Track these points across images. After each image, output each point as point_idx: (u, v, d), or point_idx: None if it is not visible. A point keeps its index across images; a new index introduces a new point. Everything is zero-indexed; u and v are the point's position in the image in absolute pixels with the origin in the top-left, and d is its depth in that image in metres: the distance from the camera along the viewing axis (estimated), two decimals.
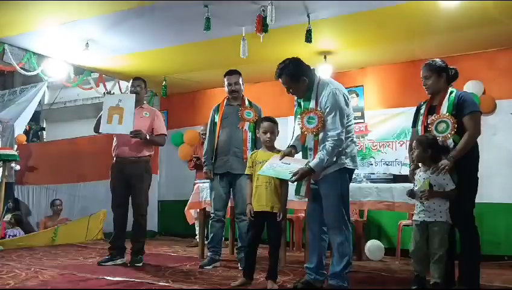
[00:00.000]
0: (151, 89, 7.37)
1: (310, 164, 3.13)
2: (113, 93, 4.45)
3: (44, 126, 9.21)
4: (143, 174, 4.39)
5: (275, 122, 3.47)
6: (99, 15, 4.68)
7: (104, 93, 4.54)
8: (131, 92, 4.47)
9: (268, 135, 3.42)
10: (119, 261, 4.35)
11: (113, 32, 5.13)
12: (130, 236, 4.42)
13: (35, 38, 5.33)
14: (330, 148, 3.08)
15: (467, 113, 3.16)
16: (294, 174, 3.12)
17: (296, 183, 3.26)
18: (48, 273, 3.78)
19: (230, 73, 4.37)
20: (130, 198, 4.40)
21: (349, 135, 3.24)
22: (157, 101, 7.78)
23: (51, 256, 4.92)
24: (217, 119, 4.35)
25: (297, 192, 3.31)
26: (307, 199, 3.36)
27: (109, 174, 4.49)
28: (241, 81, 4.36)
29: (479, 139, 3.31)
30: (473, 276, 3.16)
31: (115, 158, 4.44)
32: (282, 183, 3.32)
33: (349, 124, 3.26)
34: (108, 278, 3.63)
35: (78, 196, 7.23)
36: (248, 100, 4.38)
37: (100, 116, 4.33)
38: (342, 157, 3.18)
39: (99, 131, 4.32)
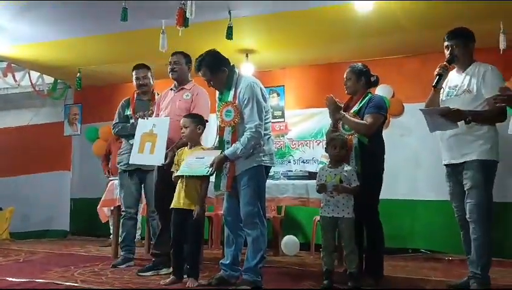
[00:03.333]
0: (65, 80, 7.00)
1: (224, 152, 3.16)
2: (146, 117, 3.78)
3: None
4: None
5: (190, 117, 3.44)
6: (7, 0, 4.34)
7: (137, 116, 3.88)
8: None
9: (182, 129, 3.40)
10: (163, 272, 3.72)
11: (24, 19, 4.76)
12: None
13: None
14: (247, 139, 3.12)
15: (368, 112, 3.35)
16: (210, 166, 3.12)
17: (215, 179, 3.26)
18: None
19: (138, 67, 4.28)
20: None
21: (266, 132, 3.28)
22: (71, 93, 7.37)
23: None
24: (129, 112, 4.23)
25: (217, 188, 3.31)
26: (226, 194, 3.34)
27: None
28: (149, 76, 4.27)
29: (387, 139, 3.55)
30: (377, 267, 3.38)
31: None
32: (202, 180, 3.29)
33: (267, 121, 3.30)
34: (10, 279, 3.41)
35: None
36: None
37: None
38: (260, 154, 3.22)
39: (129, 162, 3.91)
